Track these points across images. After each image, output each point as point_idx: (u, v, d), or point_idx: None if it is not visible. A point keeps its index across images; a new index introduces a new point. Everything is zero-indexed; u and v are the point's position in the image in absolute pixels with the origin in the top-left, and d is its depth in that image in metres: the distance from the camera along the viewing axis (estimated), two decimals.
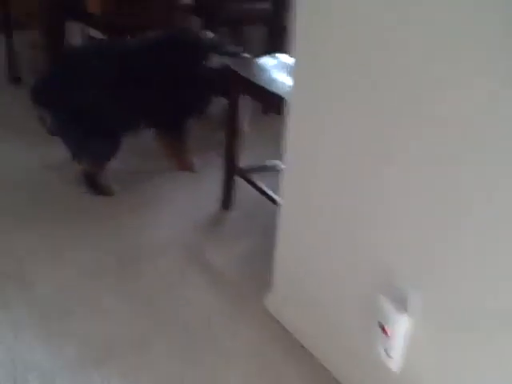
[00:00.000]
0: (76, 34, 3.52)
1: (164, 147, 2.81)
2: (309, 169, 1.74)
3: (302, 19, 1.58)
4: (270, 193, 2.30)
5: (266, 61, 2.37)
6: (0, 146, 2.96)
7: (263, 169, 2.54)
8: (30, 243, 2.29)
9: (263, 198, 2.34)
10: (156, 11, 2.97)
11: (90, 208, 2.55)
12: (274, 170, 2.31)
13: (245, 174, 2.47)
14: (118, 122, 2.55)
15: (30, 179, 2.72)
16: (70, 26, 3.37)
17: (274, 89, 2.11)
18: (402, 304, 1.44)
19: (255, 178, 2.43)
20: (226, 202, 2.58)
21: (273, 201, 2.23)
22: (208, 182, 2.77)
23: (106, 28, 2.85)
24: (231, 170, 2.50)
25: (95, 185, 2.63)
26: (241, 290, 2.15)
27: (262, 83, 2.17)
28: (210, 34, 2.71)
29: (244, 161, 2.52)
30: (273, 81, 2.18)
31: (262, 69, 2.30)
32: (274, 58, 2.38)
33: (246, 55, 2.59)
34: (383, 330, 1.49)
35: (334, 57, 1.51)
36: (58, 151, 2.65)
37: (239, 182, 2.53)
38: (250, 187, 2.44)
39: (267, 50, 2.76)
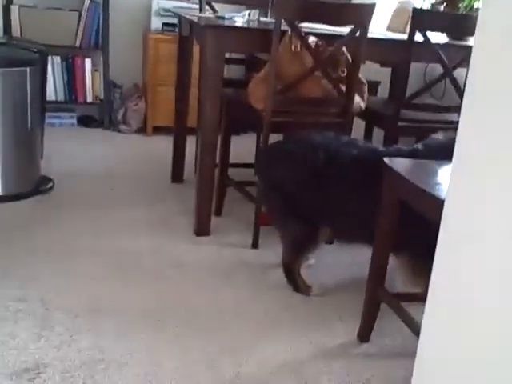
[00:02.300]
0: None
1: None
2: (461, 298, 1.25)
3: None
4: None
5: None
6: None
7: (418, 298, 2.03)
8: None
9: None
10: (324, 114, 2.73)
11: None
12: None
13: (393, 302, 1.98)
14: (321, 216, 2.38)
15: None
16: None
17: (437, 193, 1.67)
18: None
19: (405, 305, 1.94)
20: (365, 332, 2.07)
21: None
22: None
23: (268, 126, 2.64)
24: (377, 296, 2.02)
25: (291, 277, 2.45)
26: None
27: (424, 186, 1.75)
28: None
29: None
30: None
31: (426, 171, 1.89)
32: None
33: None
34: None
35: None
36: None
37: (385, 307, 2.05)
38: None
39: None
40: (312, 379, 1.89)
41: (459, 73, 2.70)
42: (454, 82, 2.67)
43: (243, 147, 3.39)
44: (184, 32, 3.31)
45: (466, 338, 1.23)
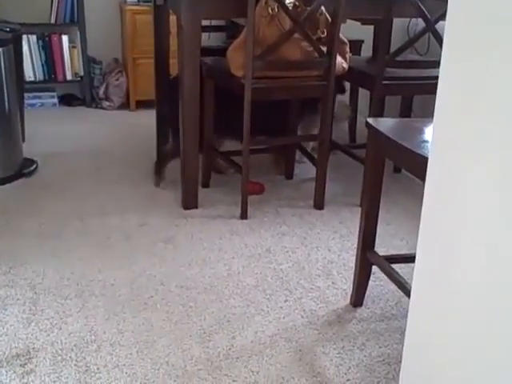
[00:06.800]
0: None
1: None
2: (449, 255, 1.21)
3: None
4: None
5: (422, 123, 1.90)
6: None
7: (410, 259, 2.00)
8: None
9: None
10: (306, 77, 2.67)
11: None
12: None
13: (384, 264, 1.95)
14: None
15: None
16: None
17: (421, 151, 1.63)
18: None
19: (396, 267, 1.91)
20: (357, 297, 2.05)
21: None
22: (340, 268, 2.29)
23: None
24: (367, 259, 1.99)
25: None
26: None
27: (407, 145, 1.70)
28: None
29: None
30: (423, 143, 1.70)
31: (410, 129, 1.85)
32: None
33: None
34: None
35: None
36: None
37: (377, 272, 2.02)
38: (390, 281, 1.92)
39: None
40: (307, 347, 1.86)
41: (442, 26, 2.62)
42: (437, 35, 2.60)
43: None
44: (158, 1, 3.22)
45: (457, 295, 1.20)
